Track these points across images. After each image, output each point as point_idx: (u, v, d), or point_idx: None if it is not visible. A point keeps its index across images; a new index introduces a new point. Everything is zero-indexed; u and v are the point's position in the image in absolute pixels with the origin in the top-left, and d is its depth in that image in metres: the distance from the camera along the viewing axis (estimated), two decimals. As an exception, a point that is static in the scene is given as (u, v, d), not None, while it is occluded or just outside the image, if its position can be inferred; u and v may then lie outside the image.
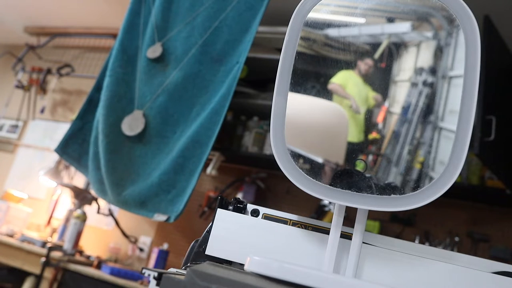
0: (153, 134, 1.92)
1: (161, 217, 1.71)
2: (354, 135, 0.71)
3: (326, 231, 0.68)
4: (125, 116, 1.98)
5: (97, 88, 2.17)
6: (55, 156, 3.04)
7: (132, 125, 1.94)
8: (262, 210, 0.75)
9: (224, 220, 0.73)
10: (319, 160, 0.70)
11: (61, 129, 3.44)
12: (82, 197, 2.82)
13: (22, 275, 2.62)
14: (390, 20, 0.73)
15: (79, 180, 3.08)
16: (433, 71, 0.69)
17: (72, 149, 2.13)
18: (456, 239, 2.35)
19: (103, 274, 2.39)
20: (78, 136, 2.15)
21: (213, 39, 1.92)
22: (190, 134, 1.78)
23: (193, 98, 1.89)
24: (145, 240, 2.95)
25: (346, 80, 0.72)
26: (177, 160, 1.77)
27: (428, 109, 0.68)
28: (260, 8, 1.84)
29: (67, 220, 2.88)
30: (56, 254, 2.46)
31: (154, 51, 2.02)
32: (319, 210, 2.53)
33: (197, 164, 1.73)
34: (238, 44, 1.86)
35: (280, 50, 0.71)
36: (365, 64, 0.71)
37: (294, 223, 0.73)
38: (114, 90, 2.03)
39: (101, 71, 2.19)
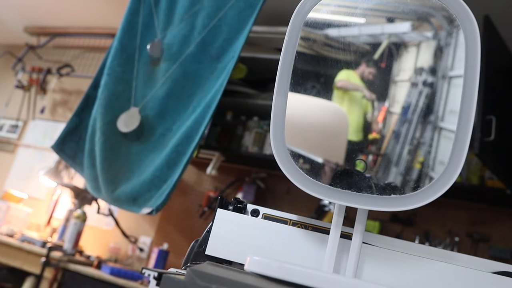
0: (149, 131, 1.93)
1: (146, 210, 1.72)
2: (354, 134, 0.71)
3: (326, 231, 0.68)
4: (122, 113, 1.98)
5: (94, 86, 2.17)
6: (55, 156, 3.04)
7: (127, 122, 1.94)
8: (262, 210, 0.75)
9: (224, 220, 0.73)
10: (319, 160, 0.70)
11: (61, 129, 3.43)
12: (82, 197, 2.82)
13: (22, 275, 2.62)
14: (390, 20, 0.73)
15: (79, 180, 3.08)
16: (433, 71, 0.69)
17: (68, 146, 2.13)
18: (456, 239, 2.35)
19: (103, 274, 2.39)
20: (74, 133, 2.15)
21: (212, 37, 1.93)
22: (184, 130, 1.79)
23: (191, 96, 1.90)
24: (145, 240, 2.95)
25: (348, 78, 0.72)
26: (171, 156, 1.77)
27: (428, 109, 0.68)
28: (257, 6, 1.85)
29: (67, 220, 2.88)
30: (56, 254, 2.46)
31: (154, 48, 2.02)
32: (319, 210, 2.53)
33: (186, 157, 1.74)
34: (236, 41, 1.87)
35: (280, 50, 0.71)
36: (368, 73, 0.71)
37: (294, 223, 0.73)
38: (112, 89, 2.03)
39: (99, 69, 2.19)
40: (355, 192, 0.64)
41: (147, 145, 1.91)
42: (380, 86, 0.71)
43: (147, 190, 1.78)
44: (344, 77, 0.72)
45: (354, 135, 0.71)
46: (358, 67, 0.72)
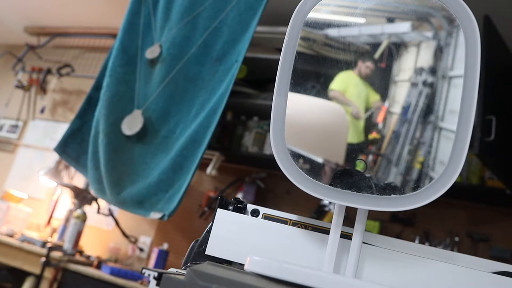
0: (152, 134, 1.92)
1: (156, 215, 1.71)
2: (353, 136, 0.71)
3: (326, 231, 0.68)
4: (125, 115, 1.98)
5: (96, 87, 2.17)
6: (55, 156, 3.04)
7: (131, 124, 1.94)
8: (262, 210, 0.75)
9: (224, 220, 0.73)
10: (319, 160, 0.70)
11: (61, 129, 3.43)
12: (82, 197, 2.82)
13: (22, 275, 2.62)
14: (390, 20, 0.73)
15: (79, 180, 3.08)
16: (433, 71, 0.69)
17: (71, 148, 2.13)
18: (456, 239, 2.35)
19: (103, 274, 2.39)
20: (77, 135, 2.15)
21: (213, 39, 1.92)
22: (189, 133, 1.79)
23: (194, 98, 1.89)
24: (145, 240, 2.95)
25: (345, 83, 0.72)
26: (176, 160, 1.77)
27: (428, 109, 0.68)
28: (259, 8, 1.85)
29: (67, 220, 2.87)
30: (56, 254, 2.46)
31: (153, 51, 2.02)
32: (319, 210, 2.53)
33: (194, 162, 1.73)
34: (238, 43, 1.86)
35: (280, 50, 0.71)
36: (366, 67, 0.71)
37: (294, 223, 0.73)
38: (114, 90, 2.03)
39: (101, 70, 2.19)
40: (355, 192, 0.64)
41: (150, 148, 1.91)
42: (380, 86, 0.71)
43: (153, 194, 1.77)
44: (341, 82, 0.72)
45: (353, 137, 0.71)
46: (356, 67, 0.72)
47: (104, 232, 3.11)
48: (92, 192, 2.27)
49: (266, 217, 0.75)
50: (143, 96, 2.01)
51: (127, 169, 1.91)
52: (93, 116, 2.12)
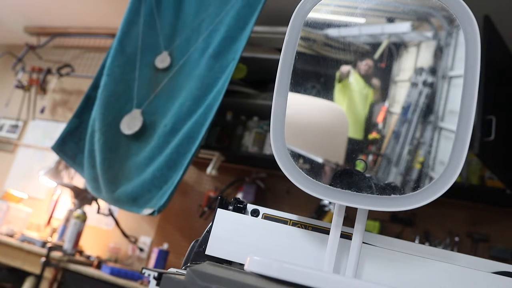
0: (150, 133, 1.93)
1: (147, 211, 1.72)
2: (356, 132, 0.71)
3: (326, 231, 0.68)
4: (123, 115, 1.98)
5: (95, 87, 2.17)
6: (55, 156, 3.03)
7: (130, 124, 1.94)
8: (262, 210, 0.75)
9: (224, 220, 0.73)
10: (319, 160, 0.70)
11: (61, 129, 3.43)
12: (82, 197, 2.82)
13: (22, 275, 2.62)
14: (390, 20, 0.73)
15: (79, 180, 3.07)
16: (433, 71, 0.69)
17: (69, 147, 2.14)
18: (456, 239, 2.35)
19: (103, 274, 2.39)
20: (74, 134, 2.16)
21: (212, 38, 1.93)
22: (185, 130, 1.79)
23: (190, 95, 1.90)
24: (145, 240, 2.95)
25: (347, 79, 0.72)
26: (171, 156, 1.77)
27: (428, 109, 0.68)
28: (257, 6, 1.85)
29: (67, 220, 2.87)
30: (56, 254, 2.46)
31: (163, 61, 2.02)
32: (319, 210, 2.53)
33: (187, 159, 1.74)
34: (235, 41, 1.86)
35: (280, 50, 0.71)
36: (365, 65, 0.71)
37: (294, 223, 0.73)
38: (112, 89, 2.03)
39: (99, 70, 2.19)
40: (355, 192, 0.64)
41: (146, 146, 1.91)
42: (380, 86, 0.71)
43: (147, 191, 1.78)
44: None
45: (356, 133, 0.71)
46: (356, 66, 0.72)
47: (104, 232, 3.11)
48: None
49: (266, 217, 0.75)
50: (142, 96, 2.01)
51: (123, 167, 1.91)
52: (91, 115, 2.12)
